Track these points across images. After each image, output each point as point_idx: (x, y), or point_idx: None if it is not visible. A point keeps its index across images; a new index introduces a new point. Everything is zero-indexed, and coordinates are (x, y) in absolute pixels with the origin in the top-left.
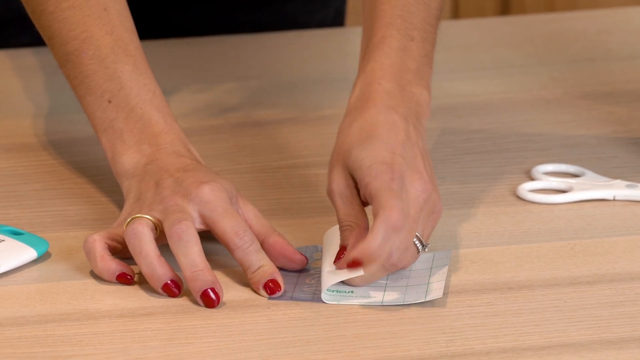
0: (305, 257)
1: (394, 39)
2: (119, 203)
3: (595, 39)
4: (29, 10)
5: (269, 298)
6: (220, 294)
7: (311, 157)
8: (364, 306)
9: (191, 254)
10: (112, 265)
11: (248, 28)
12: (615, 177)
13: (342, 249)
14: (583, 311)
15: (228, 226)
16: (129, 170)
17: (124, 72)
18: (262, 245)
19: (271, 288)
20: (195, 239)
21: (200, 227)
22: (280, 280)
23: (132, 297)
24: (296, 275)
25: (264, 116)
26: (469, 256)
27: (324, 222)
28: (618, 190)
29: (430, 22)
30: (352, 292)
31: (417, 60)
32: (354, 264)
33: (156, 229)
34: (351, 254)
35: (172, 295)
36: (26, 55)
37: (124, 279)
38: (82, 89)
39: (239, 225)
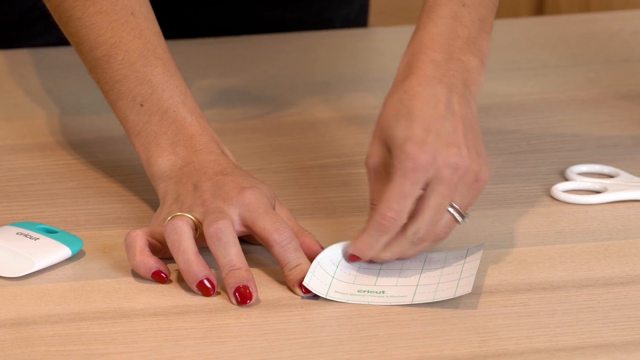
0: None
1: (444, 7)
2: (153, 202)
3: (631, 39)
4: (55, 17)
5: (303, 297)
6: (254, 293)
7: (345, 156)
8: (396, 306)
9: (230, 254)
10: (150, 261)
11: (272, 24)
12: None
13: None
14: (617, 312)
15: (269, 223)
16: (165, 172)
17: (155, 75)
18: None
19: (303, 287)
20: (234, 239)
21: (241, 229)
22: None
23: (166, 295)
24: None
25: (298, 116)
26: (502, 256)
27: (357, 222)
28: None
29: None
30: (383, 292)
31: (469, 27)
32: (352, 259)
33: (196, 229)
34: (348, 250)
35: (206, 293)
36: (54, 54)
37: (159, 277)
38: (114, 93)
39: (280, 222)
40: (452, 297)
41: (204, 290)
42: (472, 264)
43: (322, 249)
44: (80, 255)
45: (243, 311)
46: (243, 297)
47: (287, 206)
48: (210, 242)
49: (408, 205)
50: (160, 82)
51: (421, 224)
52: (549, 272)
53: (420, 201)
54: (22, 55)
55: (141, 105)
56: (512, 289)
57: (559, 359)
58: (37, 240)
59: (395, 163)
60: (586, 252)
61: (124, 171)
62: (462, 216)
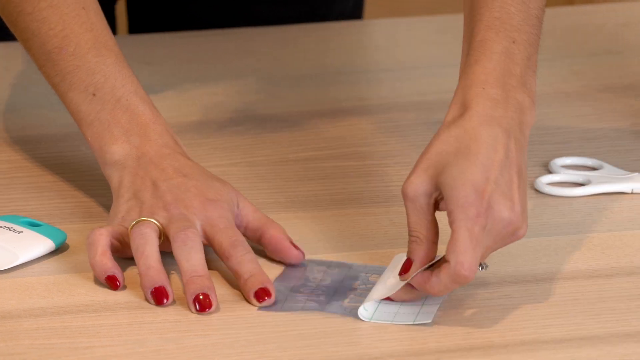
0: (302, 251)
1: (495, 42)
2: None
3: (616, 32)
4: (4, 14)
5: (259, 307)
6: (214, 302)
7: (330, 149)
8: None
9: (193, 260)
10: (108, 264)
11: (268, 20)
12: (633, 171)
13: (408, 261)
14: (601, 304)
15: (225, 238)
16: (118, 160)
17: (108, 65)
18: (261, 240)
19: (259, 295)
20: (199, 247)
21: (202, 240)
22: (271, 288)
23: None
24: (291, 286)
25: (282, 108)
26: None
27: (341, 215)
28: (636, 183)
29: (531, 23)
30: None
31: (520, 65)
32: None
33: (161, 236)
34: (416, 285)
35: (159, 301)
36: None
37: (112, 282)
38: (64, 85)
39: (236, 237)
40: (412, 323)
41: (158, 298)
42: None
43: (292, 244)
44: (64, 249)
45: (227, 305)
46: (202, 305)
47: (270, 199)
48: (175, 246)
49: (480, 252)
50: (112, 72)
51: None
52: (534, 264)
53: None
54: (6, 49)
55: (93, 94)
56: (497, 282)
57: (544, 351)
58: (20, 233)
59: (454, 208)
60: (570, 245)
61: None
62: (482, 267)
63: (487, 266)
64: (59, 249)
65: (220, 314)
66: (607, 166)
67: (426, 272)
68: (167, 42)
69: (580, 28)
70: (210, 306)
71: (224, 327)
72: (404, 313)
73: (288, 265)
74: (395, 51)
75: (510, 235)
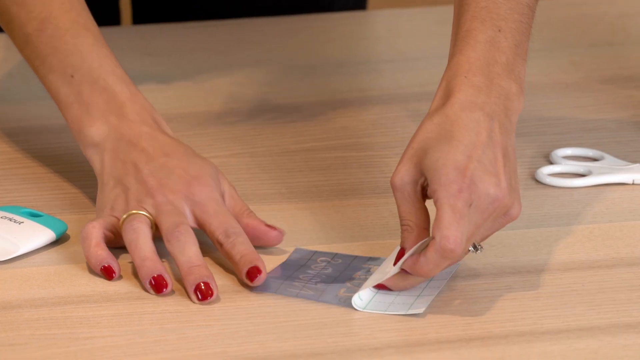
0: (279, 230)
1: (479, 32)
2: None
3: (615, 22)
4: None
5: (254, 289)
6: (215, 290)
7: (330, 140)
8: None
9: (188, 252)
10: (103, 254)
11: (271, 11)
12: (634, 161)
13: (402, 251)
14: (602, 295)
15: (217, 224)
16: (97, 142)
17: (85, 46)
18: None
19: (251, 274)
20: (193, 240)
21: (193, 225)
22: (260, 265)
23: None
24: (291, 271)
25: (283, 99)
26: (487, 240)
27: (342, 206)
28: (637, 174)
29: (521, 11)
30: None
31: (507, 52)
32: (379, 287)
33: (152, 226)
34: (406, 268)
35: (158, 290)
36: None
37: (108, 273)
38: (44, 68)
39: (227, 221)
40: (404, 313)
41: (157, 287)
42: (437, 282)
43: (268, 227)
44: (64, 239)
45: (228, 295)
46: (204, 294)
47: (272, 190)
48: (169, 244)
49: (465, 226)
50: (89, 52)
51: None
52: (534, 255)
53: None
54: (5, 39)
55: (72, 76)
56: (497, 272)
57: (543, 341)
58: (21, 224)
59: (437, 187)
60: (571, 235)
61: None
62: (476, 248)
63: (481, 248)
64: (60, 240)
65: (220, 304)
66: (608, 157)
67: (416, 255)
68: (169, 32)
69: (580, 19)
70: (211, 294)
71: (225, 317)
72: (398, 303)
73: (292, 254)
74: (397, 42)
75: (501, 214)
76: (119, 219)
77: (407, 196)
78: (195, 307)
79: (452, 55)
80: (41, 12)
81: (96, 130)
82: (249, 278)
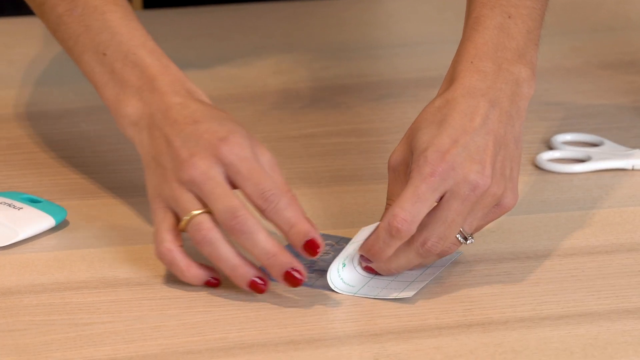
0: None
1: (488, 18)
2: (138, 172)
3: (617, 8)
4: None
5: (313, 258)
6: (302, 272)
7: (330, 126)
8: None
9: (259, 243)
10: (200, 273)
11: None
12: (634, 147)
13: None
14: (601, 280)
15: (252, 189)
16: (135, 121)
17: (114, 20)
18: None
19: (309, 249)
20: (257, 226)
21: (231, 187)
22: (317, 237)
23: (150, 265)
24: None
25: (283, 85)
26: (487, 225)
27: (342, 192)
28: (637, 159)
29: None
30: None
31: (517, 38)
32: (367, 269)
33: (212, 217)
34: (359, 250)
35: (259, 291)
36: (37, 23)
37: (212, 284)
38: (78, 48)
39: (262, 183)
40: (393, 298)
41: (257, 289)
42: (433, 269)
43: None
44: (64, 225)
45: (227, 281)
46: (293, 282)
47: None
48: (234, 237)
49: (421, 210)
50: (118, 27)
51: (430, 234)
52: (534, 241)
53: (432, 212)
54: (6, 25)
55: (104, 54)
56: (497, 258)
57: (543, 327)
58: (20, 209)
59: (414, 167)
60: (570, 221)
61: (108, 141)
62: (466, 239)
63: (472, 239)
64: (59, 226)
65: (220, 290)
66: (607, 142)
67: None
68: (169, 18)
69: (581, 4)
70: (300, 280)
71: (224, 303)
72: (390, 289)
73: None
74: (396, 28)
75: (491, 204)
76: (177, 217)
77: (397, 176)
78: (195, 293)
79: (461, 42)
80: None
81: (132, 108)
82: (308, 253)
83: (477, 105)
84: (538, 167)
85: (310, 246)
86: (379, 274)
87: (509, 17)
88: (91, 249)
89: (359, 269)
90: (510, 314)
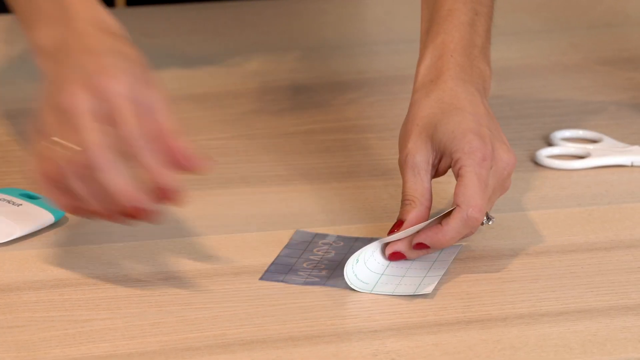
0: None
1: (462, 13)
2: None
3: (615, 4)
4: None
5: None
6: (150, 209)
7: (329, 122)
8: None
9: (110, 180)
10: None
11: None
12: (633, 143)
13: (399, 223)
14: (600, 277)
15: (118, 128)
16: (43, 48)
17: None
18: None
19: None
20: (109, 164)
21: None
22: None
23: (149, 261)
24: (294, 258)
25: (281, 81)
26: (486, 226)
27: (341, 188)
28: (636, 156)
29: None
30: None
31: (482, 36)
32: (420, 246)
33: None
34: (421, 238)
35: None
36: None
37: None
38: None
39: (127, 127)
40: (412, 293)
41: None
42: (442, 263)
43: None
44: (63, 222)
45: (227, 277)
46: (141, 215)
47: (271, 172)
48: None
49: (487, 194)
50: None
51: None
52: (533, 237)
53: None
54: (5, 21)
55: None
56: (496, 255)
57: (542, 324)
58: (19, 206)
59: (461, 156)
60: (570, 218)
61: None
62: (489, 219)
63: (493, 218)
64: (58, 222)
65: (219, 287)
66: (606, 139)
67: (435, 225)
68: (166, 14)
69: (580, 0)
70: (146, 210)
71: (224, 300)
72: (405, 284)
73: (294, 236)
74: (394, 24)
75: (507, 177)
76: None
77: (417, 174)
78: (194, 290)
79: (436, 33)
80: None
81: (42, 35)
82: (162, 196)
83: (474, 94)
84: (537, 164)
85: (165, 194)
86: (387, 271)
87: (476, 14)
88: (90, 245)
89: (369, 264)
90: (510, 311)
